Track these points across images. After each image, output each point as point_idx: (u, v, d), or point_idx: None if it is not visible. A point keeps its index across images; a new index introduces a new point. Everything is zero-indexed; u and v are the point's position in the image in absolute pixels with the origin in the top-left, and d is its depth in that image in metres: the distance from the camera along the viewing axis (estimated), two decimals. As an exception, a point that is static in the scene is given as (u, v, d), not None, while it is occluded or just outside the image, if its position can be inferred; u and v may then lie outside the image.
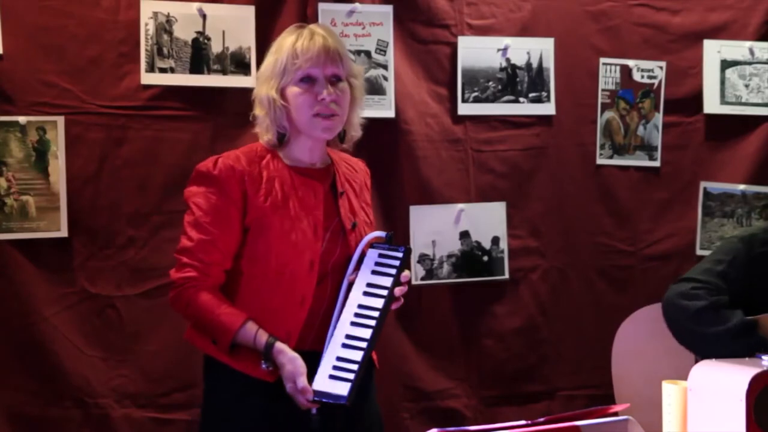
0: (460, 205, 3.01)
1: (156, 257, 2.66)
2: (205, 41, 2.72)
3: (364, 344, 1.91)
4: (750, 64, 3.25)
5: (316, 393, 1.89)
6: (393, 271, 2.00)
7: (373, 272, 2.00)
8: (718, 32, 3.22)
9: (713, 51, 3.21)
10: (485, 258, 3.06)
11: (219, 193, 1.96)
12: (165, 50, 2.71)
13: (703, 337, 2.40)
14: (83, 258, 2.64)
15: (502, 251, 3.06)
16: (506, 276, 3.05)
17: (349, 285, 2.00)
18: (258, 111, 2.03)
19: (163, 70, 2.69)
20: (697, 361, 2.04)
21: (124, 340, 2.67)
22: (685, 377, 2.00)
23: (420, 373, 2.96)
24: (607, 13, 3.12)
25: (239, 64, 2.73)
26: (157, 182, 2.65)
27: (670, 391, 2.05)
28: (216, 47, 2.72)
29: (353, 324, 1.95)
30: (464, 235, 3.03)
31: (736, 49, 3.23)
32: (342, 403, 1.88)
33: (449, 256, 3.01)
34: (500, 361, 3.05)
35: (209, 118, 2.72)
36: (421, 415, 2.93)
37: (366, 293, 1.98)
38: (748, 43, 3.23)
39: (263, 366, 1.91)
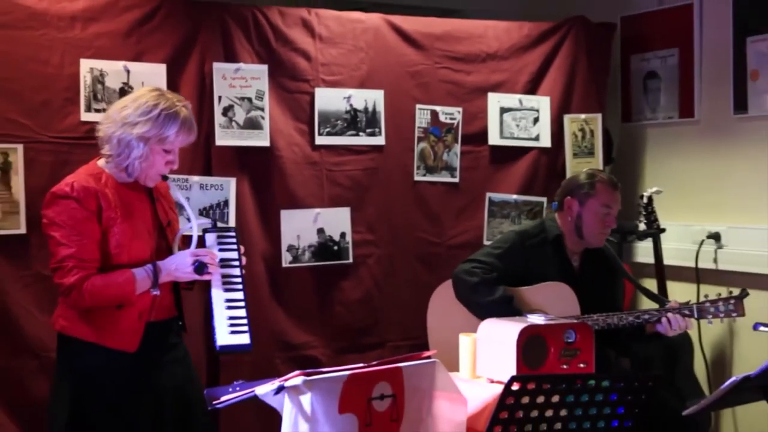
0: (317, 210, 3.30)
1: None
2: (129, 89, 2.96)
3: (243, 303, 2.16)
4: (519, 110, 3.61)
5: (224, 347, 2.07)
6: (235, 246, 2.23)
7: (220, 250, 2.21)
8: (497, 87, 3.60)
9: (495, 101, 3.58)
10: (335, 248, 3.33)
11: (80, 207, 2.09)
12: (99, 96, 2.96)
13: (477, 304, 2.71)
14: (37, 249, 2.85)
15: (348, 243, 3.34)
16: (351, 261, 3.34)
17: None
18: (110, 144, 2.15)
19: (97, 110, 2.91)
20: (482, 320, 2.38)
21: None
22: (476, 331, 2.36)
23: (288, 330, 3.27)
24: (420, 72, 3.48)
25: (154, 106, 2.68)
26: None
27: (464, 341, 2.38)
28: (137, 94, 2.64)
29: (227, 290, 2.16)
30: (320, 231, 3.30)
31: (510, 99, 3.60)
32: (248, 350, 2.13)
33: (309, 246, 3.30)
34: (346, 322, 3.38)
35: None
36: (290, 362, 3.19)
37: (224, 266, 2.19)
38: (518, 96, 3.62)
39: (153, 292, 2.10)
